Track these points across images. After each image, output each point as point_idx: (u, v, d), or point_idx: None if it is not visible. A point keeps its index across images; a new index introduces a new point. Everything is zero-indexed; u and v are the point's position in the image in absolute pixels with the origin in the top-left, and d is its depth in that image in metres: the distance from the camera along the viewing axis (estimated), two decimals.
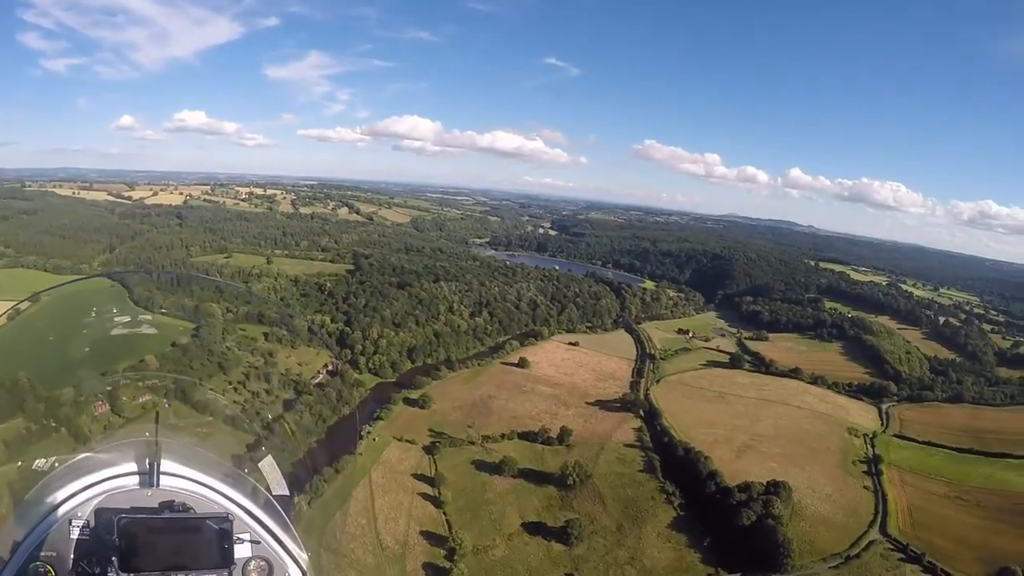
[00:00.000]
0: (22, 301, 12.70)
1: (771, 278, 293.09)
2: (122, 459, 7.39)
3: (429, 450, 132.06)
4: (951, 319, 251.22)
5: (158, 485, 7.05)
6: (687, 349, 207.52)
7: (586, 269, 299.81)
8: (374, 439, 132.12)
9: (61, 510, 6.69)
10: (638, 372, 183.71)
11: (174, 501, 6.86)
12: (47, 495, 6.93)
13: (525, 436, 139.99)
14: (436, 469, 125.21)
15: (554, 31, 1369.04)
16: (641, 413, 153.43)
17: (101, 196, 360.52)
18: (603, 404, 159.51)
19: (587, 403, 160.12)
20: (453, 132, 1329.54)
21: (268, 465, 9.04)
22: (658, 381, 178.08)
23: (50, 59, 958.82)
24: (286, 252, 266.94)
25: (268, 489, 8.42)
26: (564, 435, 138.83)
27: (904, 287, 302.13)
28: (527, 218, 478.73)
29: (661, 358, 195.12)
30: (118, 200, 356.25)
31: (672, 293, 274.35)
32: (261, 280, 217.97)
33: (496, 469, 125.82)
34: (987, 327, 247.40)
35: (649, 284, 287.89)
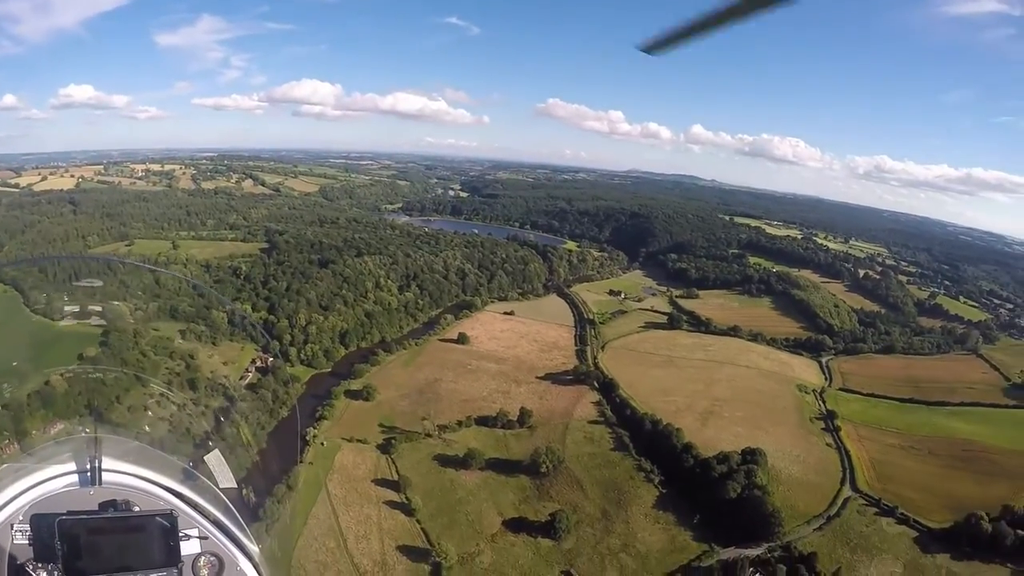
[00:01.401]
0: None
1: (691, 235, 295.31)
2: (60, 458, 7.26)
3: (384, 449, 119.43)
4: (869, 272, 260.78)
5: (100, 483, 6.96)
6: (623, 311, 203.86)
7: (505, 232, 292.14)
8: (322, 443, 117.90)
9: (3, 514, 6.57)
10: (580, 339, 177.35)
11: (117, 500, 6.82)
12: None
13: (483, 421, 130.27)
14: (397, 471, 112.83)
15: None
16: (596, 385, 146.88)
17: None
18: (554, 378, 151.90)
19: (537, 378, 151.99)
20: (354, 95, 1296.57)
21: (215, 459, 9.96)
22: (603, 348, 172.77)
23: None
24: (192, 233, 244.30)
25: (215, 482, 8.04)
26: (524, 417, 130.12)
27: (819, 240, 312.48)
28: (435, 180, 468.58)
29: (600, 322, 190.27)
30: (4, 189, 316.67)
31: (596, 253, 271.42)
32: (169, 267, 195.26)
33: (461, 463, 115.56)
34: (902, 278, 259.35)
35: (571, 245, 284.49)
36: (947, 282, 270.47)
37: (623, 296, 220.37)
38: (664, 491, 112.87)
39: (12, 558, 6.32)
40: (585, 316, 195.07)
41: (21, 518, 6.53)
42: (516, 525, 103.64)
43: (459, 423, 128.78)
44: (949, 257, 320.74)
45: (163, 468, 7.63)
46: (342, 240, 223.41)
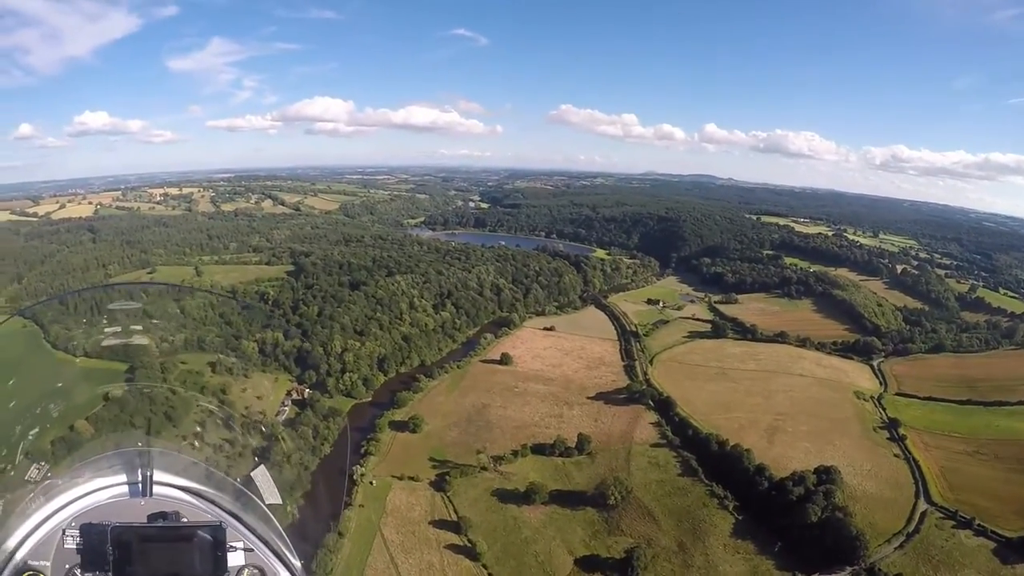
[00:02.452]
0: None
1: (720, 237, 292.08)
2: (113, 469, 7.61)
3: (438, 486, 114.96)
4: (907, 267, 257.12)
5: (151, 495, 7.26)
6: (664, 321, 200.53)
7: (533, 243, 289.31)
8: (371, 483, 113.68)
9: (53, 520, 6.91)
10: (627, 353, 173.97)
11: (166, 511, 7.10)
12: (39, 505, 7.12)
13: (539, 450, 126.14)
14: (455, 511, 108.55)
15: (458, 1, 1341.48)
16: (651, 403, 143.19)
17: (3, 216, 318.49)
18: (607, 397, 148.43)
19: (589, 398, 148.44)
20: (366, 111, 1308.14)
21: (261, 475, 9.11)
22: (651, 362, 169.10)
23: None
24: (215, 257, 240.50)
25: (261, 498, 8.33)
26: (583, 443, 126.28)
27: (849, 236, 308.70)
28: (453, 192, 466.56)
29: (644, 334, 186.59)
30: (23, 218, 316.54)
31: (628, 261, 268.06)
32: (195, 295, 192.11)
33: (523, 498, 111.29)
34: (939, 272, 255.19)
35: (601, 253, 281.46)
36: (983, 273, 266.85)
37: (662, 305, 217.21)
38: (740, 518, 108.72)
39: (63, 563, 6.59)
40: (628, 328, 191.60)
41: (73, 524, 6.76)
42: (589, 564, 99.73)
43: (514, 453, 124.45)
44: (980, 246, 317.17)
45: (211, 482, 7.90)
46: (370, 259, 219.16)
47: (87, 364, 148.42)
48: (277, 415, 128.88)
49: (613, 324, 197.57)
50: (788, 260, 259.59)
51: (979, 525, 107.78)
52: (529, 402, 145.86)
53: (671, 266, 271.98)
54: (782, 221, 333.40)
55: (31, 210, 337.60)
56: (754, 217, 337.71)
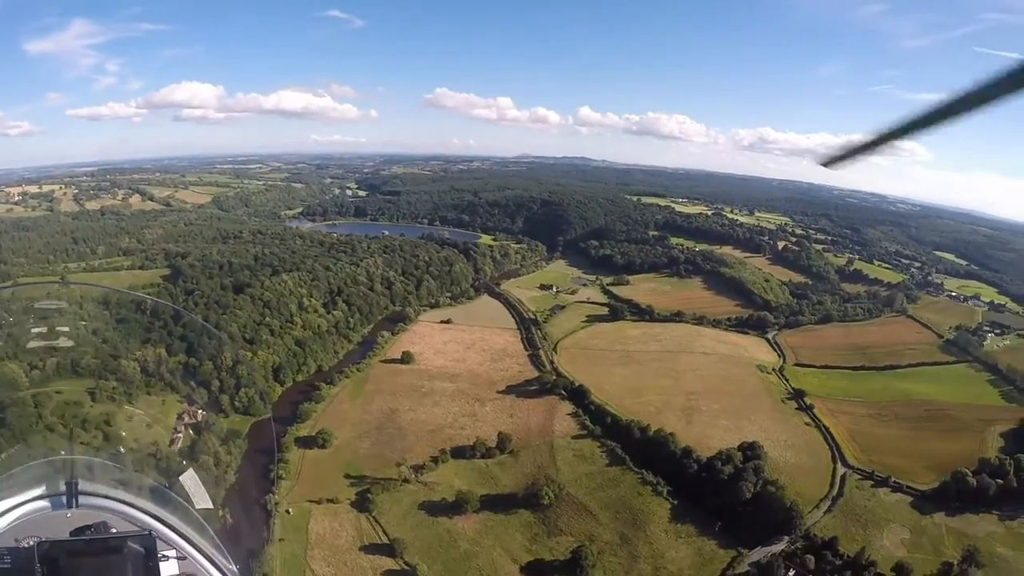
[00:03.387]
0: None
1: (605, 219, 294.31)
2: (36, 480, 7.49)
3: (361, 506, 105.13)
4: (787, 243, 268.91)
5: (77, 505, 7.24)
6: (560, 306, 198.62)
7: (418, 231, 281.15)
8: (288, 511, 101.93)
9: None
10: (529, 342, 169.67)
11: (95, 522, 6.94)
12: None
13: (459, 453, 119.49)
14: (385, 532, 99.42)
15: None
16: (564, 393, 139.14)
17: None
18: (517, 390, 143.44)
19: (499, 392, 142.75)
20: (236, 96, 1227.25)
21: (189, 478, 9.66)
22: (555, 350, 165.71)
23: None
24: (83, 264, 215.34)
25: (191, 503, 8.33)
26: (504, 442, 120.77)
27: (728, 215, 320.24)
28: (329, 180, 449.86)
29: (543, 321, 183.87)
30: None
31: (515, 246, 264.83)
32: (64, 314, 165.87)
33: (453, 508, 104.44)
34: (817, 247, 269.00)
35: (487, 239, 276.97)
36: (857, 247, 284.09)
37: (555, 290, 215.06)
38: (675, 502, 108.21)
39: None
40: (526, 316, 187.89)
41: (0, 542, 6.32)
42: (536, 570, 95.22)
43: (434, 460, 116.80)
44: (849, 221, 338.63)
45: (139, 489, 7.78)
46: (252, 258, 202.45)
47: None
48: (171, 444, 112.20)
49: (510, 313, 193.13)
50: (674, 240, 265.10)
51: (895, 482, 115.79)
52: (439, 402, 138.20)
53: (558, 250, 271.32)
54: (663, 202, 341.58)
55: None
56: (635, 198, 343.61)
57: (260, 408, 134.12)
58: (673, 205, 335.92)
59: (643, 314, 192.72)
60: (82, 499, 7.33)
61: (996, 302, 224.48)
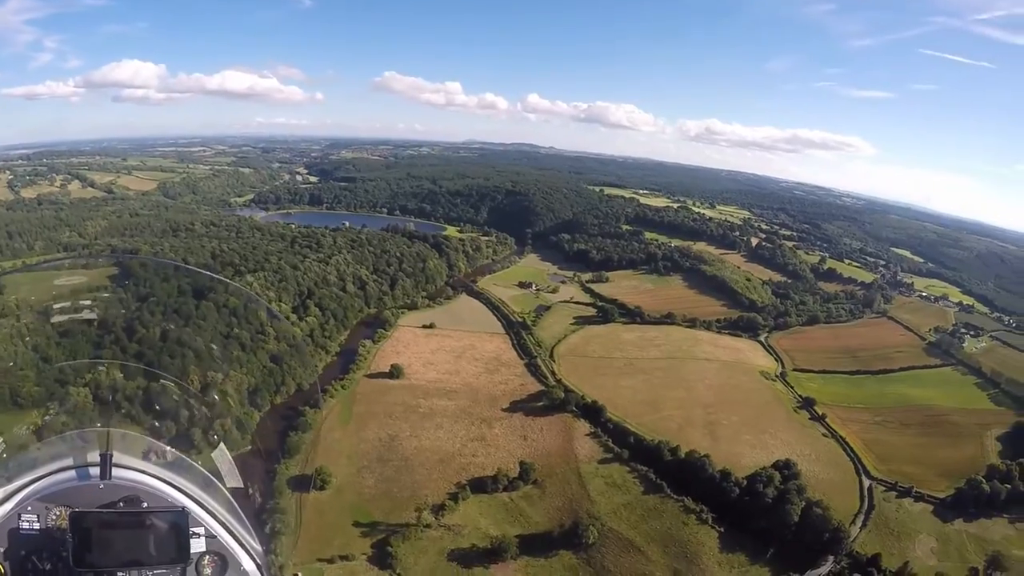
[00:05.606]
0: None
1: (572, 211, 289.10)
2: (72, 450, 7.65)
3: (381, 561, 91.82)
4: (760, 240, 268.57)
5: (110, 477, 7.24)
6: (545, 307, 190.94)
7: (378, 222, 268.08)
8: None
9: (8, 504, 6.91)
10: (522, 349, 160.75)
11: (127, 495, 7.10)
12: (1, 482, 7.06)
13: (479, 487, 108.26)
14: None
15: None
16: (575, 410, 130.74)
17: None
18: (524, 407, 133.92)
19: (504, 410, 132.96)
20: (179, 76, 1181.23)
21: (221, 455, 8.99)
22: (552, 357, 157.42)
23: None
24: (20, 261, 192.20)
25: (222, 481, 8.30)
26: (526, 471, 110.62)
27: (694, 208, 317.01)
28: (277, 164, 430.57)
29: (531, 324, 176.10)
30: None
31: (484, 239, 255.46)
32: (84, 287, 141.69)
33: (488, 556, 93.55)
34: (788, 244, 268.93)
35: (452, 231, 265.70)
36: (822, 243, 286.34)
37: (535, 288, 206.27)
38: (721, 530, 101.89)
39: (20, 547, 6.51)
40: (513, 319, 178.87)
41: (31, 508, 6.76)
42: None
43: (453, 497, 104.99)
44: (806, 215, 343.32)
45: (171, 464, 7.99)
46: (210, 255, 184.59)
47: None
48: None
49: (494, 314, 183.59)
50: (648, 235, 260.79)
51: (916, 491, 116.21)
52: (441, 424, 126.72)
53: (528, 243, 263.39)
54: (626, 193, 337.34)
55: None
56: (597, 189, 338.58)
57: (239, 440, 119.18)
58: (637, 197, 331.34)
59: (633, 316, 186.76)
60: (116, 471, 7.26)
61: (964, 303, 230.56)
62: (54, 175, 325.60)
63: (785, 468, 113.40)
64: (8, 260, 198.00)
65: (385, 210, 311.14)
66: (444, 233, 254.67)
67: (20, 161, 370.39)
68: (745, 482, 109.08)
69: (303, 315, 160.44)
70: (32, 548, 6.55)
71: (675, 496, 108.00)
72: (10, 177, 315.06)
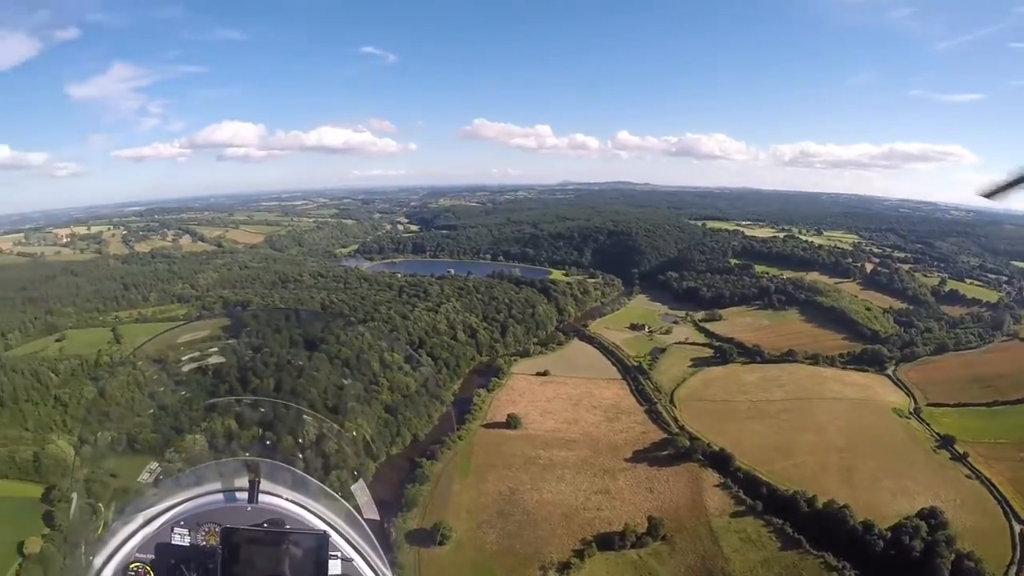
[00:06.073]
0: None
1: (677, 248, 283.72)
2: (222, 476, 8.32)
3: None
4: (875, 265, 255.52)
5: (257, 501, 7.87)
6: (660, 349, 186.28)
7: (483, 268, 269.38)
8: None
9: (164, 517, 7.61)
10: (641, 395, 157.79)
11: (272, 517, 7.64)
12: (151, 504, 7.81)
13: (606, 543, 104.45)
14: None
15: (364, 19, 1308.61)
16: (702, 459, 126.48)
17: None
18: (648, 457, 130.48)
19: (627, 460, 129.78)
20: (277, 134, 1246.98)
21: (360, 489, 9.75)
22: (672, 402, 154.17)
23: None
24: (136, 312, 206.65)
25: (360, 513, 8.85)
26: (655, 526, 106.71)
27: (801, 237, 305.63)
28: (378, 215, 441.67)
29: (648, 367, 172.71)
30: None
31: (591, 281, 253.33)
32: (116, 373, 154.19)
33: None
34: (904, 267, 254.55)
35: (557, 274, 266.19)
36: (938, 263, 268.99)
37: (647, 329, 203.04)
38: None
39: (168, 559, 7.15)
40: (629, 364, 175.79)
41: (183, 523, 7.44)
42: None
43: (579, 554, 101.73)
44: (916, 234, 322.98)
45: (313, 493, 8.46)
46: (319, 306, 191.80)
47: None
48: None
49: (609, 359, 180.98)
50: (759, 268, 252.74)
51: None
52: (563, 476, 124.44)
53: (635, 283, 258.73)
54: (728, 225, 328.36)
55: None
56: (699, 223, 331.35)
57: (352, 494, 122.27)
58: (741, 229, 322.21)
59: (751, 355, 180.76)
60: (262, 497, 7.84)
61: None
62: (166, 230, 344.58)
63: (931, 517, 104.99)
64: (124, 310, 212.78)
65: (488, 256, 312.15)
66: (550, 277, 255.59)
67: (133, 217, 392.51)
68: (889, 534, 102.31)
69: (416, 364, 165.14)
70: (181, 559, 7.16)
71: (814, 552, 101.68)
72: (124, 232, 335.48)
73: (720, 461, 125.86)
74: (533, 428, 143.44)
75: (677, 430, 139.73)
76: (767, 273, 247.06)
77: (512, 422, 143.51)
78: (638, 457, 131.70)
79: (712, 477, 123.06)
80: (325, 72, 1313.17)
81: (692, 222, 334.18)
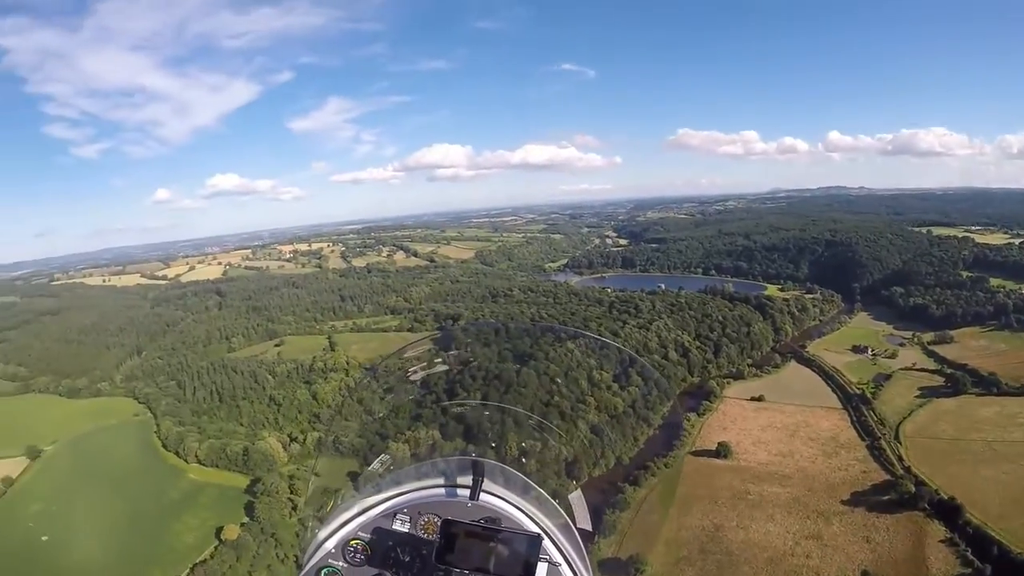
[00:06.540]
0: None
1: (902, 259, 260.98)
2: (447, 472, 8.75)
3: None
4: None
5: (477, 499, 8.24)
6: (885, 376, 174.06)
7: (695, 283, 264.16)
8: None
9: (388, 504, 8.23)
10: (862, 427, 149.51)
11: (489, 515, 8.01)
12: (379, 490, 8.47)
13: None
14: None
15: (561, 37, 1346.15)
16: (927, 507, 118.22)
17: (134, 280, 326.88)
18: (865, 500, 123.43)
19: (843, 503, 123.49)
20: (484, 154, 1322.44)
21: (577, 499, 9.58)
22: (897, 438, 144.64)
23: (79, 146, 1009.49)
24: (350, 323, 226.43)
25: (574, 521, 8.86)
26: None
27: None
28: (586, 229, 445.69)
29: (870, 396, 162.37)
30: (152, 282, 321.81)
31: (808, 297, 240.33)
32: (328, 378, 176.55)
33: None
34: None
35: (772, 289, 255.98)
36: None
37: (871, 352, 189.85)
38: None
39: (386, 541, 7.82)
40: (850, 391, 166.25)
41: (405, 511, 8.02)
42: None
43: None
44: None
45: (530, 498, 8.60)
46: (529, 320, 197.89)
47: (203, 476, 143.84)
48: None
49: (828, 385, 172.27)
50: (994, 282, 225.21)
51: None
52: (772, 516, 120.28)
53: (856, 299, 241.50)
54: (956, 232, 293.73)
55: (161, 272, 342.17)
56: (923, 230, 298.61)
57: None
58: (971, 235, 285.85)
59: (987, 385, 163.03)
60: (483, 496, 8.26)
61: None
62: (381, 246, 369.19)
63: None
64: (340, 320, 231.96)
65: (700, 270, 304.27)
66: (765, 293, 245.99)
67: (351, 235, 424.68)
68: None
69: (624, 384, 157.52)
70: (397, 543, 7.81)
71: None
72: (343, 249, 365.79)
73: (947, 511, 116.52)
74: (744, 459, 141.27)
75: (902, 472, 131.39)
76: (1003, 287, 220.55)
77: (722, 451, 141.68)
78: (856, 500, 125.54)
79: (938, 530, 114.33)
80: (526, 92, 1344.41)
81: (915, 229, 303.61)
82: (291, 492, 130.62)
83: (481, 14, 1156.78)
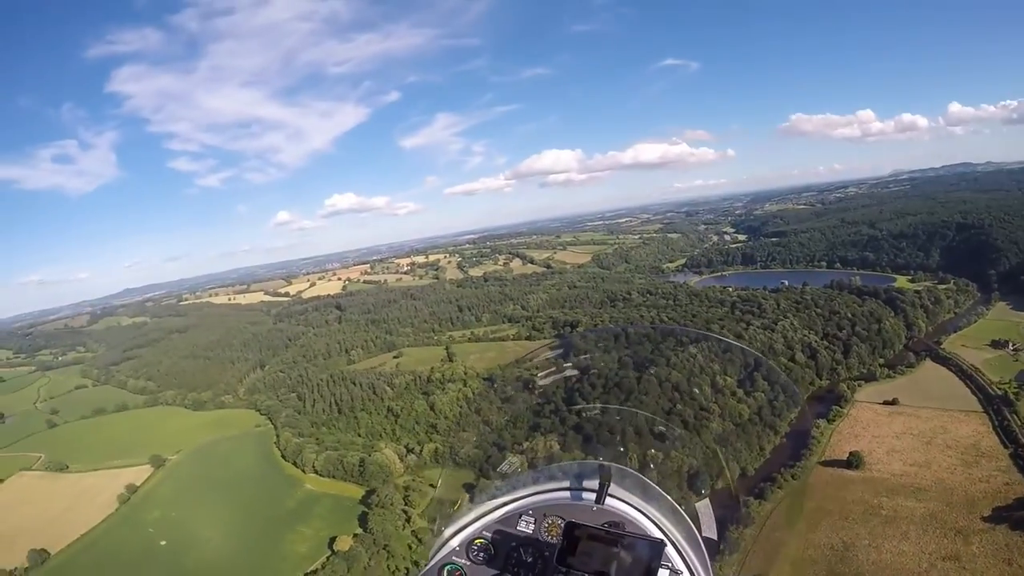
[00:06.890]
0: None
1: None
2: (575, 476, 8.84)
3: None
4: None
5: (603, 503, 8.27)
6: None
7: (819, 278, 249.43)
8: None
9: (514, 505, 8.39)
10: (1006, 434, 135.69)
11: (613, 519, 8.06)
12: (507, 492, 8.62)
13: None
14: None
15: (659, 33, 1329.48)
16: None
17: (257, 297, 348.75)
18: (1011, 518, 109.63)
19: (984, 519, 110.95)
20: (595, 157, 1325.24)
21: (704, 507, 9.88)
22: None
23: (203, 177, 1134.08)
24: (467, 333, 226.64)
25: (699, 530, 8.75)
26: None
27: None
28: (703, 227, 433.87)
29: (1014, 397, 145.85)
30: (275, 299, 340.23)
31: (941, 287, 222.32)
32: (446, 388, 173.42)
33: None
34: None
35: (902, 280, 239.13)
36: None
37: (1012, 347, 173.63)
38: None
39: (509, 541, 7.94)
40: (991, 392, 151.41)
41: (530, 512, 8.13)
42: None
43: None
44: None
45: (657, 503, 8.57)
46: (648, 323, 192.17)
47: (319, 486, 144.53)
48: None
49: (966, 385, 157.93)
50: None
51: None
52: (907, 534, 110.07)
53: (994, 287, 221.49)
54: None
55: (283, 289, 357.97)
56: None
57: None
58: None
59: None
60: (608, 500, 8.29)
61: None
62: (497, 255, 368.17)
63: None
64: (458, 330, 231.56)
65: (824, 263, 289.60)
66: (894, 285, 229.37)
67: (467, 245, 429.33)
68: None
69: (749, 390, 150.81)
70: (521, 543, 7.85)
71: None
72: (459, 259, 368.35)
73: None
74: (877, 470, 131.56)
75: None
76: None
77: (853, 461, 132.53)
78: (998, 516, 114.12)
79: None
80: (631, 90, 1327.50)
81: None
82: (405, 503, 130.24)
83: (577, 18, 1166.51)
